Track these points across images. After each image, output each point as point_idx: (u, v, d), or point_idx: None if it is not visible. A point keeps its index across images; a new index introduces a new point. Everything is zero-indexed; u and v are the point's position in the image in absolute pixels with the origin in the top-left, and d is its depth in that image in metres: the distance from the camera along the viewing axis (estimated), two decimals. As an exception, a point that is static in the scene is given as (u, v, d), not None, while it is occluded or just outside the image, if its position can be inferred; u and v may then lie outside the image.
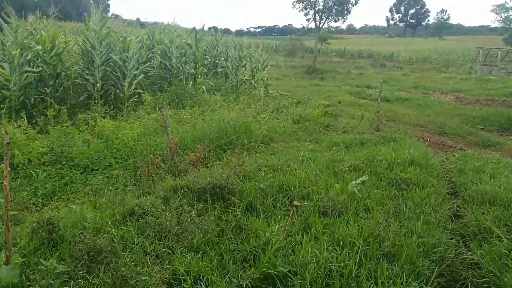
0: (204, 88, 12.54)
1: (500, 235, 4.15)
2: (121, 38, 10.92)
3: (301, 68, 32.59)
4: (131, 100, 11.02)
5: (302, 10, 34.07)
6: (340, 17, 34.38)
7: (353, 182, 5.09)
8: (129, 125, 8.37)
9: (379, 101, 10.74)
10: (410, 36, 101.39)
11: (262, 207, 4.51)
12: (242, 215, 4.32)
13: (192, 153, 6.77)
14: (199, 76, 12.86)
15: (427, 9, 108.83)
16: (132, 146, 7.51)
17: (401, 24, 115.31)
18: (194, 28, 13.49)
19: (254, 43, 57.09)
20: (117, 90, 10.97)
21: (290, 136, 9.20)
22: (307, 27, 36.19)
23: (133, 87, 11.12)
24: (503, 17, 72.24)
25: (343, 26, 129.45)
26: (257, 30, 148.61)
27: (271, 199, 4.72)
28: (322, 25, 34.46)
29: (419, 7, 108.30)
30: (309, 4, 33.19)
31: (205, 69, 14.41)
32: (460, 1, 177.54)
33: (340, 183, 5.25)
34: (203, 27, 14.45)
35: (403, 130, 11.09)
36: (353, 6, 34.08)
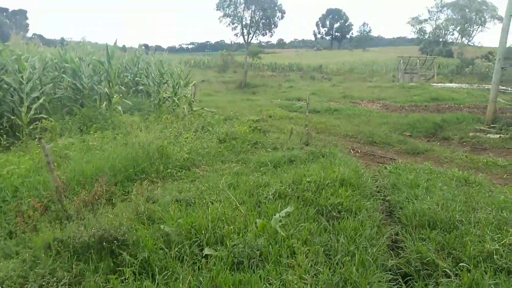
0: (119, 108, 11.25)
1: (446, 269, 3.49)
2: (14, 57, 9.38)
3: (233, 84, 31.96)
4: (31, 127, 9.49)
5: (229, 24, 33.72)
6: (267, 31, 34.41)
7: (277, 216, 4.25)
8: (18, 159, 6.95)
9: (307, 114, 10.17)
10: (337, 49, 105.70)
11: (161, 264, 3.48)
12: (133, 279, 3.27)
13: (87, 191, 5.56)
14: (114, 96, 11.55)
15: (350, 22, 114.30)
16: (18, 186, 6.14)
17: (327, 38, 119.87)
18: (106, 44, 12.18)
19: (186, 59, 56.01)
20: (13, 117, 9.39)
21: (214, 157, 8.26)
22: (234, 42, 35.86)
23: (32, 112, 9.60)
24: (418, 28, 78.01)
25: (274, 41, 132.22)
26: (190, 46, 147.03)
27: (176, 250, 3.72)
28: (250, 40, 34.23)
29: (343, 21, 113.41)
30: (236, 18, 32.85)
31: (122, 88, 13.12)
32: (379, 14, 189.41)
33: (262, 217, 4.39)
34: (115, 43, 13.17)
35: (333, 142, 10.63)
36: (279, 19, 34.32)
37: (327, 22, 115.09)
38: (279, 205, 4.78)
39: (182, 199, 5.27)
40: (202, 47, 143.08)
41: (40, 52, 12.24)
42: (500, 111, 14.74)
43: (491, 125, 12.57)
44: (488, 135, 11.66)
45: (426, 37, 77.80)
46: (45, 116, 10.13)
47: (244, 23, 33.01)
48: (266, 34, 34.30)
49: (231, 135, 9.58)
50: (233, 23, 33.14)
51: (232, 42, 34.59)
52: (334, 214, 4.56)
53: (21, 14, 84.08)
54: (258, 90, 28.59)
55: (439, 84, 30.34)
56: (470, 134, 11.93)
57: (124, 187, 6.38)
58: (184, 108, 11.49)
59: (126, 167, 6.72)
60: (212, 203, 5.01)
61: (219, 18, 33.93)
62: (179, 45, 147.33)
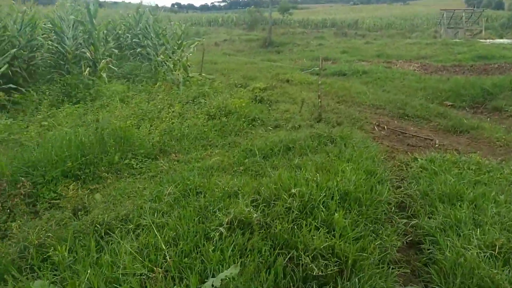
0: (104, 75, 9.54)
1: None
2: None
3: (257, 42, 29.41)
4: (-5, 99, 8.00)
5: None
6: None
7: (209, 282, 2.43)
8: None
9: (320, 81, 8.03)
10: (375, 3, 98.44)
11: None
12: None
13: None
14: (100, 61, 9.83)
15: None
16: None
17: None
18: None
19: (214, 18, 53.43)
20: (-29, 88, 7.94)
21: (195, 141, 6.47)
22: None
23: (-6, 81, 8.10)
24: (465, -22, 70.41)
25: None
26: (222, 4, 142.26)
27: None
28: None
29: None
30: None
31: (116, 51, 11.38)
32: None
33: (193, 276, 2.59)
34: None
35: (354, 117, 8.52)
36: None
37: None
38: (234, 241, 2.97)
39: (103, 222, 3.56)
40: (235, 5, 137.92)
41: (24, 11, 10.56)
42: None
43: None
44: (554, 106, 9.13)
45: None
46: (13, 86, 8.62)
47: None
48: None
49: (225, 109, 7.68)
50: None
51: None
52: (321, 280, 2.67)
53: None
54: (284, 49, 26.02)
55: (488, 40, 26.57)
56: (529, 104, 9.42)
57: (57, 187, 4.75)
58: (178, 74, 9.64)
59: (64, 158, 5.05)
60: (135, 234, 3.27)
61: None
62: (211, 3, 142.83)
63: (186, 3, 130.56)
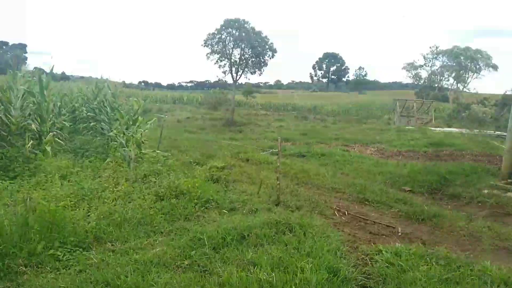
0: (49, 149, 8.80)
1: None
2: None
3: (220, 121, 29.69)
4: None
5: (217, 61, 31.75)
6: (257, 70, 32.35)
7: None
8: None
9: (279, 164, 7.69)
10: (333, 91, 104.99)
11: None
12: None
13: None
14: (47, 134, 9.15)
15: (347, 66, 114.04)
16: None
17: (324, 80, 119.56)
18: (39, 70, 9.92)
19: (179, 96, 54.44)
20: None
21: (138, 226, 5.73)
22: (223, 79, 33.29)
23: None
24: (413, 73, 77.23)
25: (271, 82, 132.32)
26: (189, 84, 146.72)
27: None
28: (239, 78, 32.25)
29: (339, 64, 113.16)
30: (225, 55, 30.93)
31: (66, 124, 10.75)
32: (375, 59, 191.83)
33: None
34: (51, 70, 10.85)
35: (314, 200, 8.11)
36: (270, 58, 32.35)
37: (324, 66, 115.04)
38: None
39: None
40: (201, 86, 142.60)
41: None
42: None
43: (508, 181, 10.10)
44: (508, 193, 9.17)
45: (422, 82, 76.99)
46: None
47: (232, 60, 31.02)
48: (255, 73, 32.29)
49: (176, 189, 7.06)
50: (221, 60, 31.21)
51: (221, 80, 31.58)
52: None
53: (21, 47, 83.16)
54: (245, 129, 26.26)
55: (437, 129, 28.15)
56: (485, 191, 9.44)
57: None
58: (130, 150, 9.06)
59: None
60: None
61: (207, 55, 32.01)
62: (179, 83, 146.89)
63: (153, 81, 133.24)
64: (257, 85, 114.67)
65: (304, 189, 9.48)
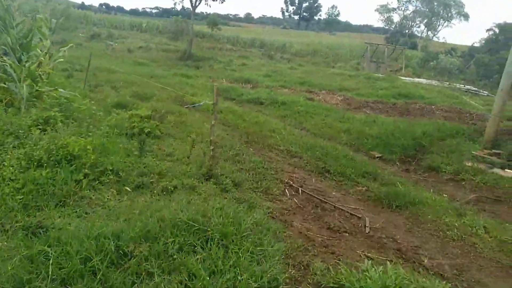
0: None
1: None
2: None
3: (177, 54, 26.48)
4: None
5: None
6: None
7: None
8: None
9: (213, 122, 5.50)
10: (304, 29, 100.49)
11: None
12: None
13: None
14: None
15: (319, 3, 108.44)
16: None
17: (295, 17, 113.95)
18: None
19: (138, 23, 49.36)
20: None
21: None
22: (181, 4, 28.89)
23: None
24: (386, 17, 74.42)
25: (241, 14, 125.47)
26: (154, 11, 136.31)
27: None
28: (199, 4, 28.28)
29: (312, 1, 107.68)
30: None
31: None
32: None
33: None
34: None
35: (260, 170, 6.15)
36: None
37: (296, 1, 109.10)
38: None
39: None
40: (167, 13, 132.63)
41: None
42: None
43: (493, 151, 8.53)
44: (495, 169, 7.58)
45: (393, 27, 74.59)
46: None
47: None
48: None
49: (61, 151, 4.78)
50: None
51: (177, 5, 26.95)
52: None
53: None
54: (204, 64, 23.44)
55: (407, 78, 26.46)
56: (468, 164, 7.81)
57: None
58: (23, 87, 6.54)
59: None
60: None
61: None
62: (143, 8, 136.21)
63: (115, 5, 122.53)
64: (225, 17, 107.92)
65: (253, 150, 7.46)
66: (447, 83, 24.94)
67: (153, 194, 4.63)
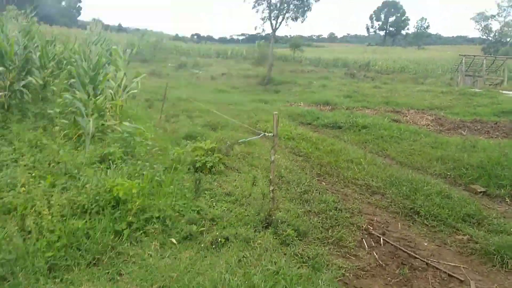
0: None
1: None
2: None
3: (257, 79, 26.44)
4: None
5: (254, 6, 27.30)
6: (299, 15, 27.61)
7: None
8: None
9: (272, 158, 4.67)
10: (390, 45, 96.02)
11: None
12: None
13: None
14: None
15: (407, 17, 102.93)
16: None
17: (381, 33, 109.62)
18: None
19: (223, 50, 51.15)
20: None
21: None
22: (261, 27, 28.87)
23: None
24: (483, 25, 67.70)
25: (325, 35, 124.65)
26: (241, 37, 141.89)
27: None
28: (279, 25, 27.84)
29: (399, 14, 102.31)
30: None
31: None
32: (439, 10, 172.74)
33: None
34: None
35: (332, 213, 5.17)
36: (315, 1, 27.55)
37: (382, 16, 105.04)
38: None
39: None
40: (253, 39, 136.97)
41: None
42: None
43: None
44: None
45: (491, 36, 67.45)
46: None
47: (271, 3, 26.46)
48: (297, 19, 27.65)
49: (106, 195, 4.37)
50: (259, 4, 26.85)
51: (258, 28, 26.62)
52: None
53: None
54: (283, 88, 22.93)
55: (511, 92, 23.09)
56: None
57: None
58: (90, 121, 6.46)
59: None
60: None
61: None
62: (230, 36, 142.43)
63: (205, 35, 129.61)
64: (309, 38, 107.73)
65: (326, 185, 6.49)
66: None
67: (200, 248, 3.94)
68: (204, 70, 28.94)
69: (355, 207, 5.63)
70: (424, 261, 4.34)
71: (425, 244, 4.80)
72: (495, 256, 4.47)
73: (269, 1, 27.01)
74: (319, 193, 5.97)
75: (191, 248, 3.95)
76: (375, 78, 31.13)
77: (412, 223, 5.39)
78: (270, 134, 4.71)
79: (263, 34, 30.48)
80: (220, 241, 4.05)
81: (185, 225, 4.32)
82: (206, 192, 5.39)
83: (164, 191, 4.92)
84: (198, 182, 5.27)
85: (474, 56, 29.62)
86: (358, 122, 11.70)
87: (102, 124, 6.78)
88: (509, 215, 5.83)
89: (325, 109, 15.88)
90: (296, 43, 49.23)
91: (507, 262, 4.36)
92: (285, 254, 3.92)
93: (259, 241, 4.10)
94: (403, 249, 4.57)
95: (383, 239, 4.77)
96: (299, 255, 3.95)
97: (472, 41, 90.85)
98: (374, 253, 4.43)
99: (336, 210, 5.36)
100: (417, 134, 10.62)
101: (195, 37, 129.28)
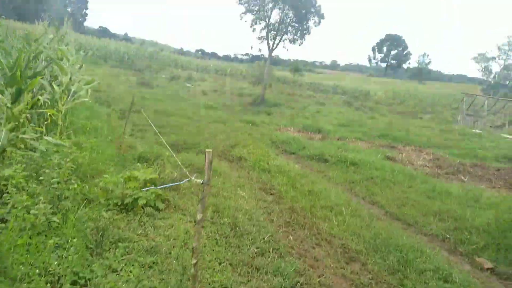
0: None
1: None
2: None
3: (250, 98, 25.11)
4: None
5: (252, 24, 26.15)
6: (297, 38, 26.40)
7: None
8: None
9: (199, 217, 3.15)
10: (391, 78, 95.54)
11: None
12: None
13: None
14: None
15: (409, 51, 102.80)
16: None
17: (382, 65, 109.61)
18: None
19: (222, 67, 50.15)
20: None
21: None
22: (259, 49, 27.77)
23: None
24: (483, 66, 67.33)
25: (327, 62, 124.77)
26: (245, 57, 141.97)
27: None
28: (276, 46, 26.73)
29: (401, 48, 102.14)
30: (261, 14, 25.10)
31: None
32: (441, 48, 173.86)
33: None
34: None
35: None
36: (315, 25, 26.26)
37: (384, 48, 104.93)
38: None
39: None
40: (256, 59, 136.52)
41: None
42: None
43: None
44: None
45: (491, 77, 67.05)
46: None
47: (270, 23, 25.36)
48: (295, 42, 26.54)
49: None
50: (256, 23, 25.71)
51: (253, 50, 25.29)
52: None
53: (82, 2, 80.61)
54: (275, 110, 21.50)
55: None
56: None
57: None
58: (2, 130, 4.95)
59: None
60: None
61: (240, 15, 26.53)
62: (234, 55, 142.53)
63: (210, 51, 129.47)
64: (311, 64, 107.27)
65: (293, 240, 4.95)
66: None
67: None
68: (197, 84, 27.61)
69: (324, 283, 4.08)
70: None
71: None
72: None
73: (267, 21, 25.81)
74: (280, 255, 4.42)
75: None
76: (373, 108, 29.81)
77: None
78: (199, 180, 3.18)
79: (260, 54, 29.40)
80: None
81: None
82: (120, 244, 3.84)
83: (50, 242, 3.36)
84: (101, 234, 3.71)
85: (476, 95, 28.41)
86: (348, 157, 10.19)
87: (17, 137, 5.24)
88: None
89: (315, 137, 14.43)
90: (297, 67, 48.30)
91: None
92: None
93: None
94: None
95: None
96: None
97: (471, 80, 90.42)
98: None
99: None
100: (413, 179, 9.11)
101: (199, 52, 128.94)
